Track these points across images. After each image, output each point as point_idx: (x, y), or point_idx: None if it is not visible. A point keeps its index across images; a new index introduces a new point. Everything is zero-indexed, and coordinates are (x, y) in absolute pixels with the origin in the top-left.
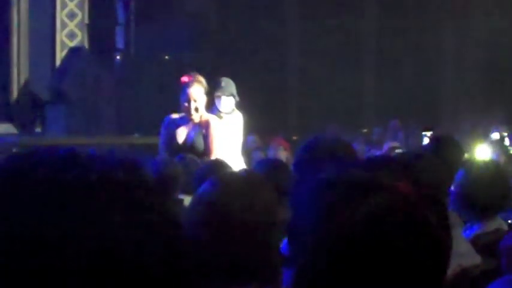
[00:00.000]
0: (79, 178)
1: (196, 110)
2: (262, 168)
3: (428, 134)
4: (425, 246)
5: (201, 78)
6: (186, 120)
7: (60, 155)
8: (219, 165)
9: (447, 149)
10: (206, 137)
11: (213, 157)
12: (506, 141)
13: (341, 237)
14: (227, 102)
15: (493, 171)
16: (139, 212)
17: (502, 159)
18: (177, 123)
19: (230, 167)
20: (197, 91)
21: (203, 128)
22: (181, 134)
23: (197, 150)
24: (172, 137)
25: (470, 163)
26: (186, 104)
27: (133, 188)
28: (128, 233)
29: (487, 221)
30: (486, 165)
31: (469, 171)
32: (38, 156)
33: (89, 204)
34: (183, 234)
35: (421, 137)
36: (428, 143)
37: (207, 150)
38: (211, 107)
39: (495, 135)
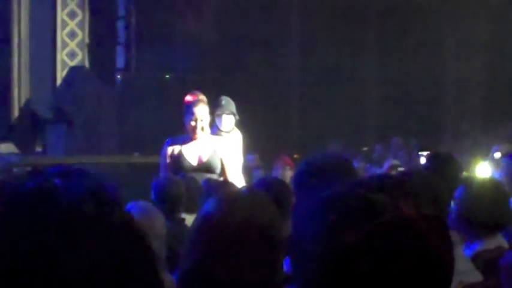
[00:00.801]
0: (44, 216)
1: (203, 129)
2: (262, 187)
3: (425, 153)
4: (427, 266)
5: (204, 97)
6: (189, 140)
7: (26, 192)
8: (226, 184)
9: (445, 167)
10: (222, 156)
11: (230, 176)
12: None
13: (342, 257)
14: (228, 120)
15: (493, 189)
16: (105, 246)
17: (505, 179)
18: (181, 144)
19: (236, 186)
20: (202, 110)
21: (215, 147)
22: (191, 154)
23: (214, 169)
24: (179, 157)
25: (470, 181)
26: (193, 123)
27: (100, 220)
28: (97, 265)
29: (487, 239)
30: (485, 182)
31: (468, 189)
32: (2, 192)
33: (54, 242)
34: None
35: (419, 156)
36: (426, 161)
37: (224, 169)
38: (211, 126)
39: (497, 154)
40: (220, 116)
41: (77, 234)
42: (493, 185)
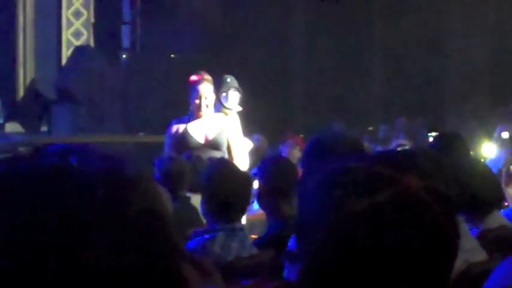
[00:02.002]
0: (52, 200)
1: (207, 106)
2: (268, 166)
3: (434, 134)
4: (432, 240)
5: (210, 77)
6: (195, 118)
7: (37, 171)
8: (226, 163)
9: (453, 147)
10: (228, 134)
11: (236, 154)
12: None
13: (349, 231)
14: (234, 96)
15: (486, 168)
16: (117, 238)
17: (509, 160)
18: (186, 123)
19: (237, 165)
20: (207, 88)
21: (221, 124)
22: (197, 131)
23: (220, 147)
24: (185, 135)
25: (470, 162)
26: (197, 101)
27: (113, 208)
28: (107, 258)
29: (489, 218)
30: (478, 163)
31: (468, 170)
32: (12, 169)
33: (62, 230)
34: (172, 252)
35: (427, 136)
36: (434, 141)
37: (230, 147)
38: (215, 105)
39: (505, 134)
40: (226, 92)
41: (87, 223)
42: (484, 165)
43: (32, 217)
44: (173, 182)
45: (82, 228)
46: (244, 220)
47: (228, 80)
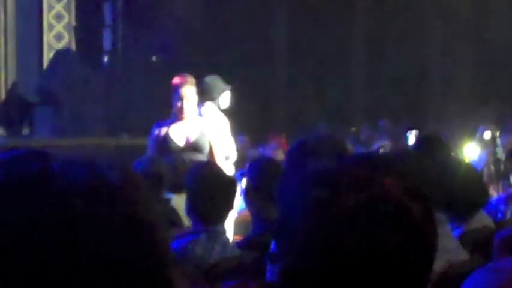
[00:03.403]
0: (32, 210)
1: (189, 109)
2: (258, 167)
3: (414, 132)
4: (410, 240)
5: (192, 79)
6: (177, 121)
7: (22, 176)
8: (211, 165)
9: (435, 148)
10: (209, 137)
11: (218, 156)
12: (498, 142)
13: (330, 230)
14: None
15: (470, 169)
16: (98, 248)
17: (491, 160)
18: (168, 126)
19: (220, 167)
20: (189, 91)
21: (202, 127)
22: (178, 134)
23: (201, 149)
24: (166, 138)
25: (452, 163)
26: (179, 104)
27: (94, 217)
28: (89, 265)
29: (472, 219)
30: (462, 164)
31: (451, 171)
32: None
33: (41, 238)
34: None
35: (407, 136)
36: (416, 142)
37: (212, 149)
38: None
39: (486, 135)
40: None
41: (65, 235)
42: (468, 165)
43: (5, 229)
44: (152, 183)
45: (60, 240)
46: (231, 221)
47: (214, 81)
